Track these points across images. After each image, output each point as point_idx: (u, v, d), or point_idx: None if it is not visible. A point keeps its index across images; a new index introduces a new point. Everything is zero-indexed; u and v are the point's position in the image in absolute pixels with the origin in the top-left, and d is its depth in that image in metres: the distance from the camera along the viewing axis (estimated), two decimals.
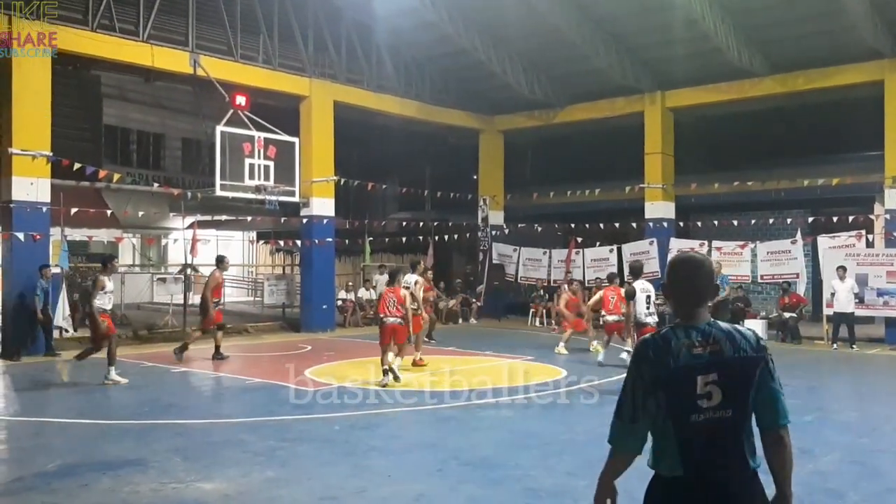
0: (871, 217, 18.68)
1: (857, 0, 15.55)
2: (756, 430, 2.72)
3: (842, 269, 16.17)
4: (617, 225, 21.77)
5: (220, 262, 14.67)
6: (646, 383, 2.64)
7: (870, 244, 17.43)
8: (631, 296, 10.79)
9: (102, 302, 11.17)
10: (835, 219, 18.81)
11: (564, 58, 20.05)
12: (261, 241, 29.79)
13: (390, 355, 11.00)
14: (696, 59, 18.55)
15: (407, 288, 12.22)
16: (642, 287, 10.39)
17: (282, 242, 27.22)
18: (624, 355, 12.56)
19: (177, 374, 12.79)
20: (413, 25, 19.56)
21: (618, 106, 21.27)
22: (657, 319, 10.00)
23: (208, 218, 25.01)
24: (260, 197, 17.20)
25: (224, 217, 25.85)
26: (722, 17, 17.13)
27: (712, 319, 2.74)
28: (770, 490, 2.73)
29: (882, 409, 10.12)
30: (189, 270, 19.12)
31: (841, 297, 16.03)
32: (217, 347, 13.95)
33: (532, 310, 22.09)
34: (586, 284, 20.44)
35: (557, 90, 21.91)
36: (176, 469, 6.75)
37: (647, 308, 10.34)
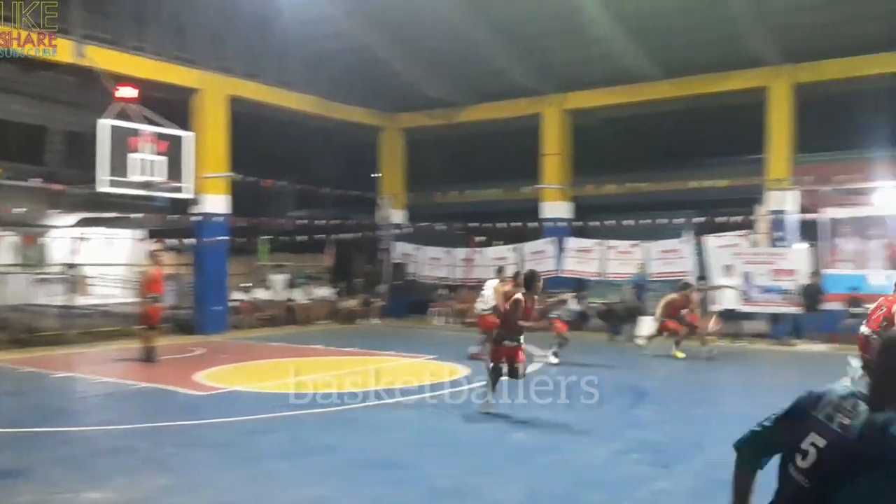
0: (753, 218, 19.51)
1: (745, 9, 16.29)
2: None
3: (729, 268, 16.87)
4: (517, 224, 22.02)
5: (153, 255, 14.76)
6: (785, 410, 2.50)
7: (755, 244, 18.25)
8: None
9: None
10: (721, 219, 19.54)
11: (466, 58, 20.11)
12: (150, 240, 28.57)
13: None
14: (594, 62, 18.99)
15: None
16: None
17: (175, 241, 26.20)
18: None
19: (59, 379, 12.12)
20: (312, 19, 19.11)
21: (520, 106, 21.53)
22: None
23: (94, 215, 23.81)
24: (148, 193, 16.52)
25: (113, 214, 24.66)
26: (619, 22, 17.56)
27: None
28: None
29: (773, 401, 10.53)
30: (71, 270, 18.15)
31: (728, 294, 16.71)
32: (145, 349, 13.35)
33: (433, 308, 22.08)
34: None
35: (460, 89, 21.98)
36: (62, 479, 6.36)
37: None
